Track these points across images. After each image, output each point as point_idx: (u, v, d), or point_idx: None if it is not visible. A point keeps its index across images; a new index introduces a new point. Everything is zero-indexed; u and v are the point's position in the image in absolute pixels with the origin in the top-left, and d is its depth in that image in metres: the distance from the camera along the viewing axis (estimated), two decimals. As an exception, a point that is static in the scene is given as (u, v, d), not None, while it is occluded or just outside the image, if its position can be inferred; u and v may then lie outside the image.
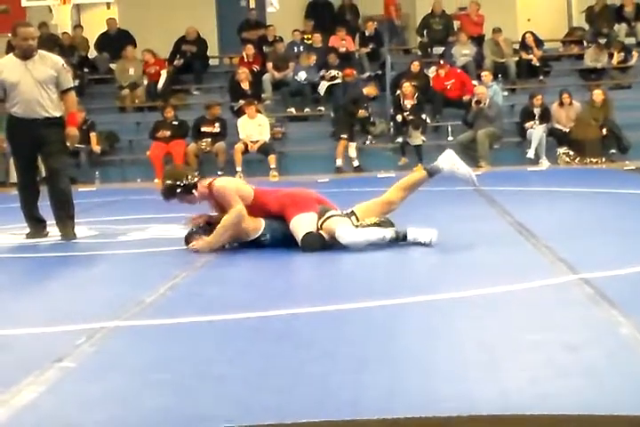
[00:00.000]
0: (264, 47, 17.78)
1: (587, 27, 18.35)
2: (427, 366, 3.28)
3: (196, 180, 6.44)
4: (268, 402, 2.89)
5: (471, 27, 17.92)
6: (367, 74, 17.23)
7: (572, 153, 14.92)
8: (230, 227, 6.26)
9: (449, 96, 16.11)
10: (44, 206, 7.61)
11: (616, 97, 15.93)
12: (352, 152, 15.12)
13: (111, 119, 16.68)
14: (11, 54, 7.72)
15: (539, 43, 17.24)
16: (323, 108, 16.46)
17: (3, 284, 5.74)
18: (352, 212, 6.34)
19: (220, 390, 3.08)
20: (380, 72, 17.14)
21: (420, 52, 18.09)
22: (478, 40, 17.61)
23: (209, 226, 6.40)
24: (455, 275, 5.22)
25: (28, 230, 7.63)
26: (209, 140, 15.05)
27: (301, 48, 17.59)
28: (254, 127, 15.06)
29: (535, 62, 16.97)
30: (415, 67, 16.19)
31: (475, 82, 16.11)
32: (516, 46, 17.43)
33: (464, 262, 5.59)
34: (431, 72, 16.58)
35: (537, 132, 14.94)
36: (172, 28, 17.82)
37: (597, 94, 15.25)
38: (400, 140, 15.20)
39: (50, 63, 7.53)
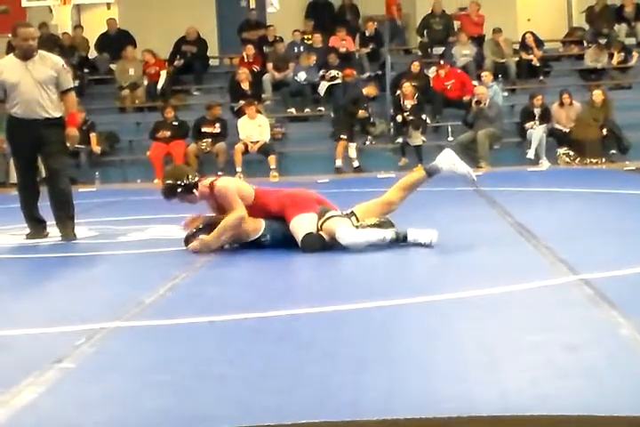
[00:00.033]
0: (264, 47, 17.78)
1: (587, 27, 18.36)
2: (426, 367, 3.28)
3: (196, 179, 6.43)
4: (268, 403, 2.89)
5: (471, 27, 17.92)
6: (367, 74, 17.22)
7: (572, 153, 14.91)
8: (230, 229, 6.25)
9: (449, 96, 16.11)
10: (44, 207, 7.60)
11: (616, 97, 15.93)
12: (352, 152, 15.12)
13: (111, 120, 16.68)
14: (11, 55, 7.71)
15: (539, 43, 17.23)
16: (323, 109, 16.46)
17: (3, 284, 5.73)
18: (352, 212, 6.33)
19: (220, 390, 3.08)
20: (380, 72, 17.14)
21: (420, 53, 18.09)
22: (478, 40, 17.61)
23: (209, 227, 6.39)
24: (455, 276, 5.22)
25: (28, 231, 7.63)
26: (209, 140, 15.04)
27: (301, 48, 17.59)
28: (254, 128, 15.06)
29: (535, 62, 16.96)
30: (415, 67, 16.18)
31: (475, 82, 16.10)
32: (517, 46, 17.43)
33: (464, 263, 5.59)
34: (431, 72, 16.57)
35: (537, 132, 14.93)
36: (172, 29, 17.83)
37: (597, 95, 15.24)
38: (400, 140, 15.19)
39: (50, 64, 7.52)
